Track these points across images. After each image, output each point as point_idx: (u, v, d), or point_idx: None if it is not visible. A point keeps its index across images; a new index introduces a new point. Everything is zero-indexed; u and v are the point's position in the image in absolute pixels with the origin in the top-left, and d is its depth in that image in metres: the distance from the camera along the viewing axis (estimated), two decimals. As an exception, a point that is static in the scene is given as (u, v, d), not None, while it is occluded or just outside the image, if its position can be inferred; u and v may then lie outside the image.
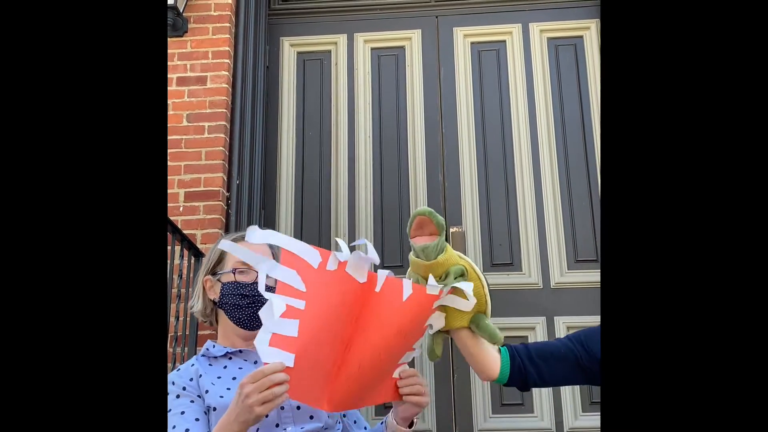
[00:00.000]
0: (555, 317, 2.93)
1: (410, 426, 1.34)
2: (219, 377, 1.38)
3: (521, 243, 3.05)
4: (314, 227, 3.15)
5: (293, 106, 3.35)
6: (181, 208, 2.95)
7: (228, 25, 3.21)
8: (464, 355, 1.32)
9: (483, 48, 3.36)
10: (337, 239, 1.26)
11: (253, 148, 3.16)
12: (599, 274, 2.76)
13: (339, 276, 1.16)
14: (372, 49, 3.41)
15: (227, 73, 3.15)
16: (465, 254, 2.97)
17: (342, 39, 3.42)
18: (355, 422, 1.48)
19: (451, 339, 1.33)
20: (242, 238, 1.42)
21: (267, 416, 1.28)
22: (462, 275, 1.24)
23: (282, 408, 1.31)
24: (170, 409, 1.31)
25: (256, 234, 1.11)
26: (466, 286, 1.21)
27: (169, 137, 3.02)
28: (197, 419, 1.30)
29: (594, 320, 2.79)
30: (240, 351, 1.45)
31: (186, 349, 2.57)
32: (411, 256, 1.26)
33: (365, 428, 1.49)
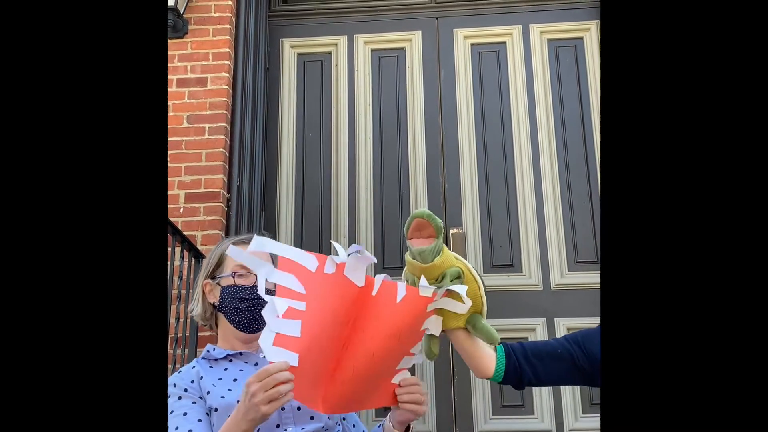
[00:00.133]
0: (555, 318, 2.93)
1: (407, 430, 1.34)
2: (220, 379, 1.38)
3: (521, 244, 3.05)
4: (314, 228, 3.15)
5: (293, 107, 3.35)
6: (181, 210, 2.95)
7: (228, 26, 3.21)
8: (460, 353, 1.34)
9: (483, 49, 3.36)
10: (333, 242, 1.27)
11: (254, 149, 3.16)
12: (599, 275, 2.76)
13: (337, 279, 1.17)
14: (372, 50, 3.41)
15: (227, 74, 3.15)
16: (465, 256, 2.99)
17: (342, 40, 3.42)
18: (354, 426, 1.49)
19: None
20: (244, 242, 1.43)
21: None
22: (458, 277, 1.25)
23: (283, 409, 1.31)
24: (172, 411, 1.31)
25: (253, 243, 1.12)
26: (461, 289, 1.22)
27: (169, 139, 3.02)
28: (200, 420, 1.30)
29: (594, 321, 2.79)
30: (240, 353, 1.45)
31: (186, 350, 2.57)
32: (407, 256, 1.26)
33: (363, 432, 1.50)
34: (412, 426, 1.35)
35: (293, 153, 3.28)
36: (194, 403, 1.34)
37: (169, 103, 3.09)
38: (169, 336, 2.63)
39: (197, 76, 3.14)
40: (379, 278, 1.22)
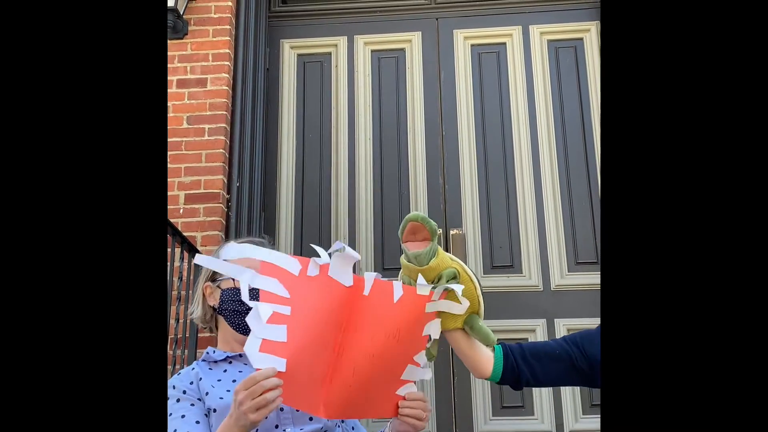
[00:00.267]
0: (555, 319, 2.93)
1: None
2: (219, 380, 1.39)
3: (521, 245, 3.05)
4: (314, 229, 3.15)
5: (293, 108, 3.35)
6: (181, 211, 2.95)
7: (228, 27, 3.21)
8: (458, 354, 1.34)
9: (483, 50, 3.36)
10: (312, 245, 1.26)
11: (254, 150, 3.16)
12: (599, 276, 2.76)
13: (322, 281, 1.16)
14: (372, 51, 3.41)
15: (227, 75, 3.15)
16: (465, 256, 2.99)
17: (342, 41, 3.42)
18: (353, 428, 1.48)
19: None
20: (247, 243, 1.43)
21: (267, 417, 1.29)
22: (454, 278, 1.25)
23: (281, 409, 1.31)
24: (171, 414, 1.32)
25: (231, 250, 1.12)
26: (458, 288, 1.22)
27: (169, 139, 3.02)
28: (197, 422, 1.31)
29: (594, 322, 2.78)
30: (240, 355, 1.45)
31: (186, 351, 2.57)
32: (402, 260, 1.26)
33: (362, 436, 1.50)
34: None
35: (293, 154, 3.28)
36: (192, 405, 1.34)
37: (169, 103, 3.09)
38: (169, 337, 2.63)
39: (197, 76, 3.14)
40: (370, 277, 1.21)
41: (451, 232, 3.01)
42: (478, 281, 1.29)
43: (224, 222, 2.99)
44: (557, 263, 3.01)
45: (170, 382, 1.38)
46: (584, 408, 2.82)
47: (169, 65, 3.12)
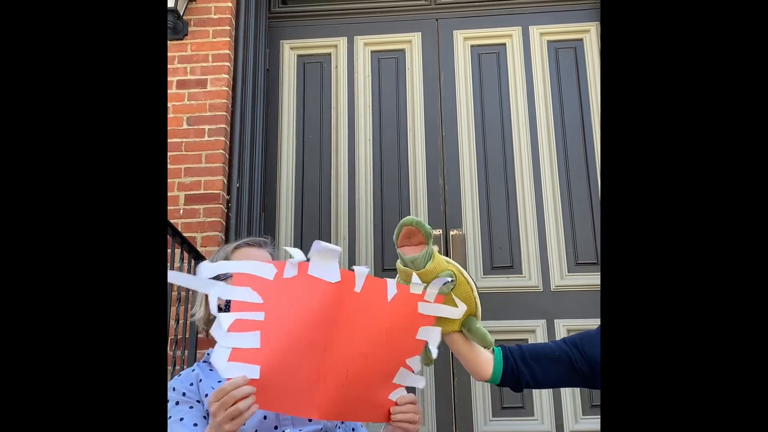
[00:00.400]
0: (555, 320, 2.93)
1: None
2: (219, 381, 1.38)
3: (521, 246, 3.05)
4: (314, 230, 3.15)
5: (293, 109, 3.35)
6: (181, 211, 2.95)
7: (228, 28, 3.21)
8: (457, 356, 1.34)
9: (483, 51, 3.36)
10: (285, 248, 1.26)
11: (254, 150, 3.16)
12: (599, 276, 2.76)
13: (302, 281, 1.15)
14: (372, 52, 3.41)
15: (227, 76, 3.15)
16: (465, 258, 2.99)
17: (342, 42, 3.43)
18: (353, 429, 1.48)
19: None
20: (249, 245, 1.45)
21: (266, 418, 1.29)
22: (450, 280, 1.25)
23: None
24: (170, 417, 1.32)
25: (206, 269, 1.12)
26: (448, 275, 1.22)
27: (169, 140, 3.02)
28: (195, 424, 1.31)
29: (594, 323, 2.77)
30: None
31: (186, 352, 2.57)
32: (399, 265, 1.26)
33: (362, 436, 1.50)
34: None
35: (293, 154, 3.28)
36: (191, 407, 1.34)
37: (169, 104, 3.09)
38: (169, 338, 2.63)
39: (197, 77, 3.14)
40: (361, 272, 1.20)
41: (451, 233, 3.01)
42: (475, 283, 1.29)
43: (224, 223, 2.99)
44: (557, 264, 3.01)
45: (170, 383, 1.38)
46: (584, 409, 2.82)
47: (169, 66, 3.12)
